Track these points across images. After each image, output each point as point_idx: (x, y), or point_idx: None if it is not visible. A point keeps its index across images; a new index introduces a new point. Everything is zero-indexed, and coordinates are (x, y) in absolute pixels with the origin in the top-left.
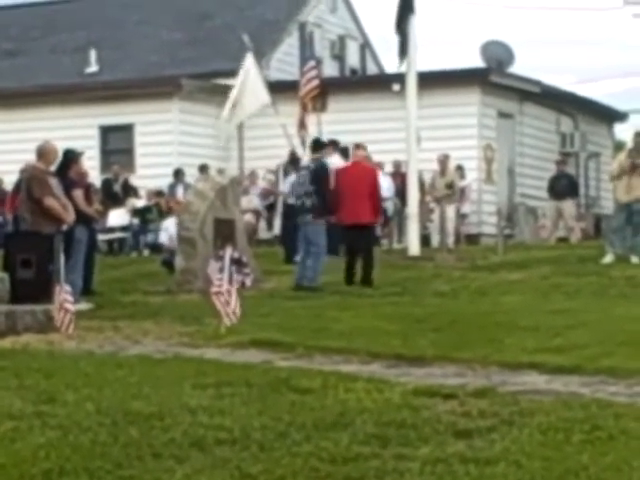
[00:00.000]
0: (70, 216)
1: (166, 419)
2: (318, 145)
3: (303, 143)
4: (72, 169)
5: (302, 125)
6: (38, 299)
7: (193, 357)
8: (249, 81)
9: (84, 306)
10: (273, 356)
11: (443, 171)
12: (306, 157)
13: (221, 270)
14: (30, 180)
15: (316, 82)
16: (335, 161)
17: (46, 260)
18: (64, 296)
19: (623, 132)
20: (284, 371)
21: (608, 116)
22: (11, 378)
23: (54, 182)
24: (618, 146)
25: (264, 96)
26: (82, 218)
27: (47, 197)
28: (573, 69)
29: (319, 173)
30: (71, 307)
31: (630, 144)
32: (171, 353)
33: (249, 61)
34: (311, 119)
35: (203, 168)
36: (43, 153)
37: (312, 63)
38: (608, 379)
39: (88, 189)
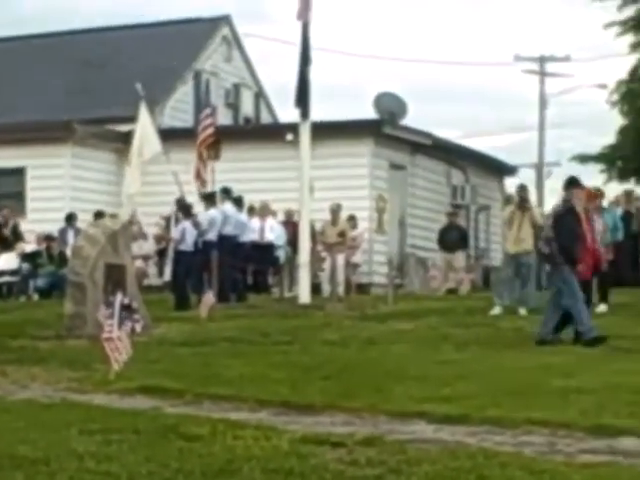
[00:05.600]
0: None
1: (52, 464)
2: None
3: (199, 192)
4: None
5: (198, 175)
6: None
7: (81, 402)
8: (141, 129)
9: None
10: (162, 403)
11: (334, 220)
12: (199, 207)
13: (111, 316)
14: None
15: (211, 130)
16: (227, 209)
17: None
18: None
19: (513, 186)
20: (172, 418)
21: (498, 170)
22: None
23: None
24: (507, 200)
25: (156, 144)
26: None
27: None
28: (462, 123)
29: (562, 218)
30: None
31: (516, 197)
32: (59, 398)
33: (142, 109)
34: (206, 167)
35: (98, 215)
36: None
37: (208, 111)
38: (494, 429)
39: None
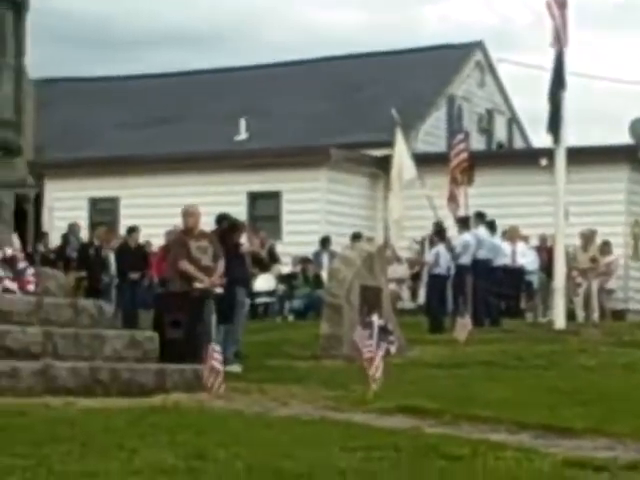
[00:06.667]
0: (210, 280)
1: (316, 479)
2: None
3: (454, 216)
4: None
5: (452, 198)
6: (185, 358)
7: (340, 420)
8: (398, 155)
9: (237, 368)
10: (420, 422)
11: (586, 246)
12: (452, 231)
13: (371, 336)
14: (171, 243)
15: (465, 155)
16: (481, 233)
17: (195, 321)
18: (215, 356)
19: None
20: (433, 437)
21: None
22: (163, 434)
23: (198, 245)
24: None
25: (411, 169)
26: (243, 281)
27: (181, 260)
28: None
29: None
30: (221, 368)
31: None
32: (318, 416)
33: (398, 135)
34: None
35: (356, 236)
36: (183, 216)
37: (461, 136)
38: None
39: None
